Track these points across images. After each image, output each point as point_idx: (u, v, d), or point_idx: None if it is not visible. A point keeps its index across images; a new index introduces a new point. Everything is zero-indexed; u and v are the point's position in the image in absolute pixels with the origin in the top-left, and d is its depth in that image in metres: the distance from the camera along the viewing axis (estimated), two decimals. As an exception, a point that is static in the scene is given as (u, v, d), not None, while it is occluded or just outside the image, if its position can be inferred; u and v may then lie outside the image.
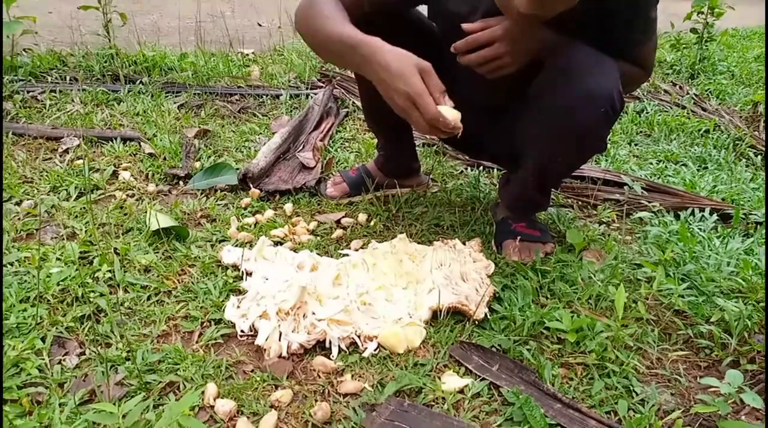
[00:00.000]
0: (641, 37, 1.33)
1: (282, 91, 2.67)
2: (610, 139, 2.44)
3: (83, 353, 1.13)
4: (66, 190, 1.71)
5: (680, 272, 1.46)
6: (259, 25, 4.16)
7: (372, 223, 1.65)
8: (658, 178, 2.11)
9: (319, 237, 1.58)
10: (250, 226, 1.60)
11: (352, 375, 1.12)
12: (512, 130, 1.47)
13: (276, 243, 1.51)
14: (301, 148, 2.07)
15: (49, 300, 1.24)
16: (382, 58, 1.16)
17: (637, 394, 1.11)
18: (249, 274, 1.36)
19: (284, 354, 1.15)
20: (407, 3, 1.45)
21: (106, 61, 2.77)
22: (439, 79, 1.17)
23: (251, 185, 1.78)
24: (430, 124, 1.15)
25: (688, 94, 3.18)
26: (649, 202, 1.84)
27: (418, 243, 1.49)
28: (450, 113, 1.15)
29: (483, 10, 1.31)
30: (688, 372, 1.19)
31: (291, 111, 2.50)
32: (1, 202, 1.60)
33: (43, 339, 1.14)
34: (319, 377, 1.12)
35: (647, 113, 2.80)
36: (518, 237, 1.47)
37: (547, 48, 1.29)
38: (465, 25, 1.28)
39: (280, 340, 1.17)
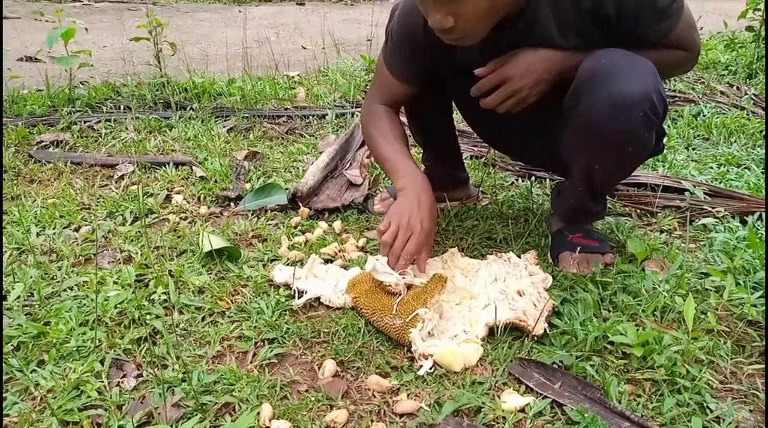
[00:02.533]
0: (661, 26, 1.23)
1: (328, 111, 2.69)
2: (666, 144, 2.35)
3: (140, 375, 1.14)
4: (122, 215, 1.75)
5: (751, 280, 1.38)
6: (304, 48, 4.23)
7: (422, 238, 1.62)
8: (720, 183, 2.01)
9: (368, 254, 1.56)
10: (301, 245, 1.60)
11: (408, 395, 1.09)
12: (559, 139, 1.43)
13: (326, 261, 1.50)
14: (348, 165, 2.06)
15: (107, 323, 1.26)
16: (407, 198, 1.36)
17: (711, 411, 1.04)
18: (301, 294, 1.36)
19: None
20: (430, 72, 1.49)
21: (157, 90, 2.85)
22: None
23: (300, 204, 1.78)
24: (410, 252, 1.30)
25: (746, 94, 3.05)
26: (713, 208, 1.75)
27: (471, 257, 1.46)
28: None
29: (488, 52, 1.32)
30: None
31: (337, 130, 2.51)
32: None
33: (101, 362, 1.15)
34: (374, 396, 1.09)
35: (704, 116, 2.70)
36: (578, 249, 1.42)
37: (559, 69, 1.28)
38: (476, 71, 1.33)
39: None
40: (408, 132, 2.37)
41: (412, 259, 1.31)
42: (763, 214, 1.68)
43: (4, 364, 1.13)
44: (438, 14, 1.15)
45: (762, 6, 3.37)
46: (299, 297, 1.33)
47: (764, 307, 1.28)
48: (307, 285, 1.36)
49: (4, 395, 1.07)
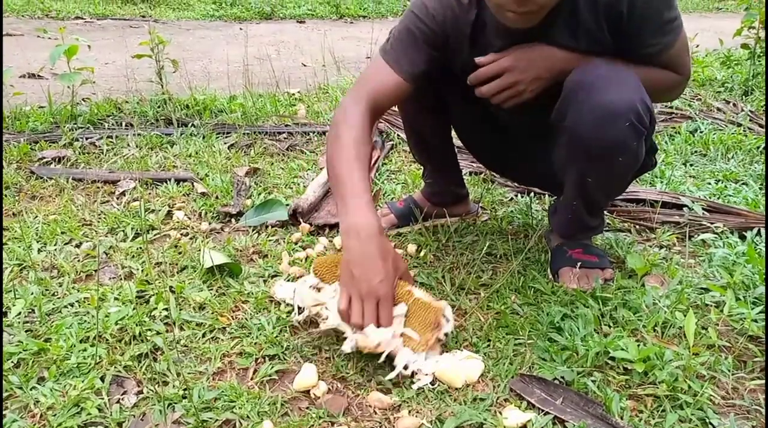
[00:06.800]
0: (661, 40, 1.26)
1: (328, 128, 2.70)
2: (663, 161, 2.36)
3: (141, 392, 1.14)
4: (123, 231, 1.75)
5: (751, 295, 1.39)
6: (304, 65, 4.26)
7: (422, 254, 1.62)
8: (718, 198, 2.02)
9: (369, 270, 1.56)
10: (302, 261, 1.60)
11: (410, 411, 1.09)
12: (552, 155, 1.45)
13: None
14: (348, 181, 2.07)
15: (107, 340, 1.26)
16: (351, 256, 1.19)
17: (714, 427, 1.04)
18: (301, 310, 1.35)
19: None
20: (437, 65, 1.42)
21: (159, 106, 2.87)
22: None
23: (301, 220, 1.79)
24: (355, 324, 1.16)
25: (743, 110, 3.07)
26: (712, 224, 1.76)
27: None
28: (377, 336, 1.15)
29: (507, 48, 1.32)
30: (768, 403, 1.11)
31: (337, 146, 2.52)
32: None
33: (102, 379, 1.15)
34: (376, 413, 1.09)
35: (701, 132, 2.71)
36: (578, 264, 1.42)
37: (561, 69, 1.28)
38: (477, 59, 1.32)
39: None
40: (408, 150, 2.40)
41: (393, 324, 1.18)
42: (762, 230, 1.69)
43: (3, 381, 1.13)
44: None
45: (756, 24, 3.40)
46: (299, 313, 1.32)
47: (765, 322, 1.29)
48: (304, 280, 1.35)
49: (3, 412, 1.07)
